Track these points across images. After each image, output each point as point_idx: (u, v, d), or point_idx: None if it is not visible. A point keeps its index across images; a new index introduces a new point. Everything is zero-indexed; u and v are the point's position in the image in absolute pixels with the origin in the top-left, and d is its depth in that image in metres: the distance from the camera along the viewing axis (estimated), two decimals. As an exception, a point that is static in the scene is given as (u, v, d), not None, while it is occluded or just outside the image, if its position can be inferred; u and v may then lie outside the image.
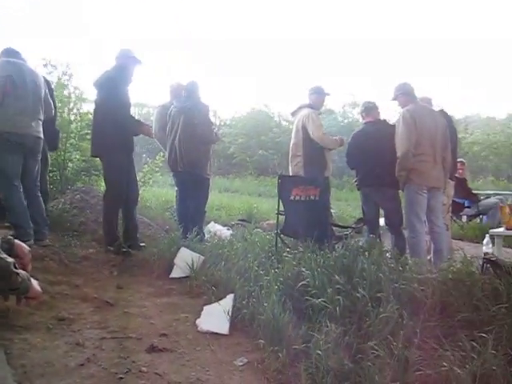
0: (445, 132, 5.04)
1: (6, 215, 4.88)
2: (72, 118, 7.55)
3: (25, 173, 4.80)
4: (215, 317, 3.27)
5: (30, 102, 4.72)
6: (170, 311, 3.56)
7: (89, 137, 6.42)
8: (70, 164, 7.44)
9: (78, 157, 7.53)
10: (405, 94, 5.12)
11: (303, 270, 3.54)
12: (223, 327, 3.17)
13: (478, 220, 9.37)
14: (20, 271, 1.61)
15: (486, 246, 4.97)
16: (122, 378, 2.42)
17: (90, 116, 6.67)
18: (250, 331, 3.10)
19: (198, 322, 3.28)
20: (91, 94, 5.33)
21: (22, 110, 4.65)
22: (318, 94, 5.93)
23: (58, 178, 7.22)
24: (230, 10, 61.78)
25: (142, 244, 5.23)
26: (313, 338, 2.67)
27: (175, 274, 4.45)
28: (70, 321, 3.16)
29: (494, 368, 2.27)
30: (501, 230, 5.74)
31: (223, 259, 4.33)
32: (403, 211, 5.17)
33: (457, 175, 7.00)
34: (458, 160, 7.70)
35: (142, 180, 8.01)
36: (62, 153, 7.06)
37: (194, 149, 5.70)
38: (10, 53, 4.81)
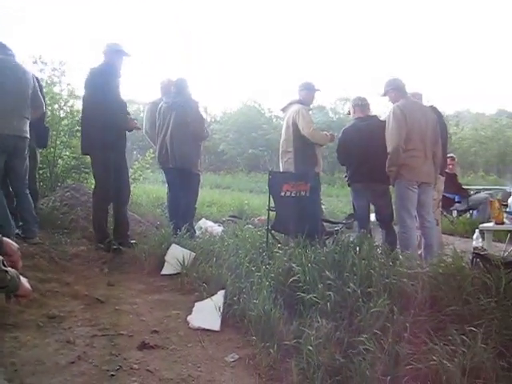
0: (435, 127, 5.05)
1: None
2: (62, 115, 7.48)
3: (11, 173, 4.74)
4: (206, 313, 3.28)
5: (11, 99, 4.58)
6: (161, 308, 3.56)
7: (79, 134, 6.37)
8: (60, 161, 7.39)
9: (68, 154, 7.48)
10: (395, 90, 5.11)
11: (294, 265, 3.55)
12: (214, 323, 3.18)
13: (468, 215, 9.43)
14: (9, 269, 1.60)
15: (476, 241, 4.99)
16: (113, 375, 2.42)
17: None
18: (241, 327, 3.11)
19: (189, 318, 3.28)
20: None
21: (1, 108, 4.52)
22: (308, 90, 5.91)
23: (48, 175, 7.17)
24: (221, 4, 61.70)
25: (132, 241, 5.20)
26: (304, 333, 2.68)
27: (166, 270, 4.44)
28: (61, 318, 3.15)
29: (483, 361, 2.29)
30: (490, 224, 5.79)
31: (214, 256, 4.33)
32: (394, 207, 5.18)
33: (447, 170, 7.02)
34: (448, 155, 7.76)
35: (133, 177, 7.96)
36: (52, 150, 7.00)
37: (185, 145, 5.69)
38: None
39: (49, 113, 6.67)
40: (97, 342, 2.83)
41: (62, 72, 7.25)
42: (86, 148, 5.26)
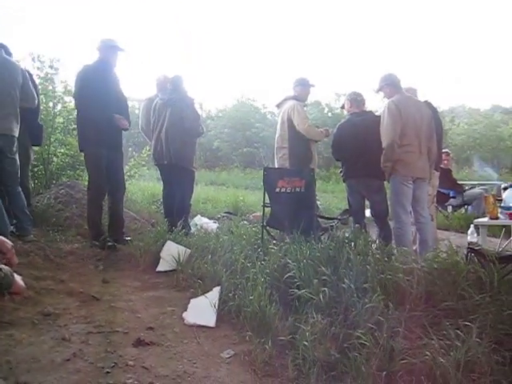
0: (430, 123, 5.05)
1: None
2: (57, 112, 7.44)
3: (1, 172, 4.69)
4: (202, 310, 3.27)
5: None
6: (156, 305, 3.55)
7: (75, 132, 6.34)
8: (54, 159, 7.36)
9: (63, 151, 7.44)
10: (390, 85, 5.11)
11: (289, 261, 3.56)
12: (210, 320, 3.18)
13: (462, 210, 9.48)
14: (2, 266, 1.60)
15: (471, 236, 5.00)
16: (108, 372, 2.41)
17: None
18: (237, 323, 3.11)
19: (184, 315, 3.28)
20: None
21: None
22: (303, 86, 5.91)
23: (43, 172, 7.14)
24: (221, 4, 61.61)
25: (127, 238, 5.21)
26: (299, 329, 2.69)
27: (161, 267, 4.44)
28: (56, 316, 3.14)
29: (478, 355, 2.30)
30: (485, 219, 5.81)
31: (209, 252, 4.33)
32: (389, 202, 5.19)
33: (442, 166, 7.05)
34: (443, 151, 7.78)
35: (128, 174, 7.95)
36: (47, 147, 6.97)
37: (180, 141, 5.68)
38: None
39: (44, 111, 6.65)
40: (92, 339, 2.82)
41: (56, 69, 7.21)
42: (80, 144, 5.26)
